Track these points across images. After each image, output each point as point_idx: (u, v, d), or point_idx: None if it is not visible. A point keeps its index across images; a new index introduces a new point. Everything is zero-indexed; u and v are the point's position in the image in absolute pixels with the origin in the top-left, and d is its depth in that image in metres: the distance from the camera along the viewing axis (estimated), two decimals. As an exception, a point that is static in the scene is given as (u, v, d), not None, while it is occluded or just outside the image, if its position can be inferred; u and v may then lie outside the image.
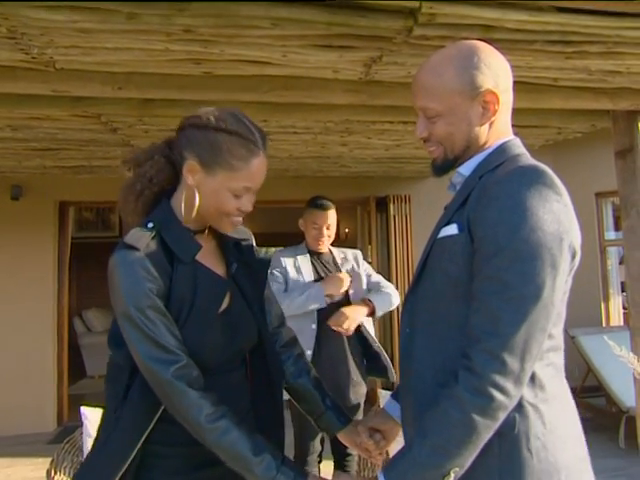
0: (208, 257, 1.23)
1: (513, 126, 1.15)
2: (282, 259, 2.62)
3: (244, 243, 1.34)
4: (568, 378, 1.06)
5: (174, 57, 2.01)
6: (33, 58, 1.98)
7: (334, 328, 2.43)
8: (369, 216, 5.57)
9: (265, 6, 1.63)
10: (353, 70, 2.20)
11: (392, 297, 2.66)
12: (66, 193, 5.08)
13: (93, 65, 2.09)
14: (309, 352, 2.43)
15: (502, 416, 0.94)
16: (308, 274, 2.60)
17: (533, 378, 0.98)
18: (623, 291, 5.32)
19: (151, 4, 1.61)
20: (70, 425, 4.58)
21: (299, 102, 2.46)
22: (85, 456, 1.24)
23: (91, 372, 7.10)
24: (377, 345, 2.60)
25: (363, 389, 2.62)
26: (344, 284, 2.55)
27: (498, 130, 1.11)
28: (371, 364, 2.63)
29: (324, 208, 2.61)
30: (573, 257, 0.99)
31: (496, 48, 1.12)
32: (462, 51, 1.09)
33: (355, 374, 2.56)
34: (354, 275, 2.65)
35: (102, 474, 1.12)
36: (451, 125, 1.09)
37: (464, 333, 0.98)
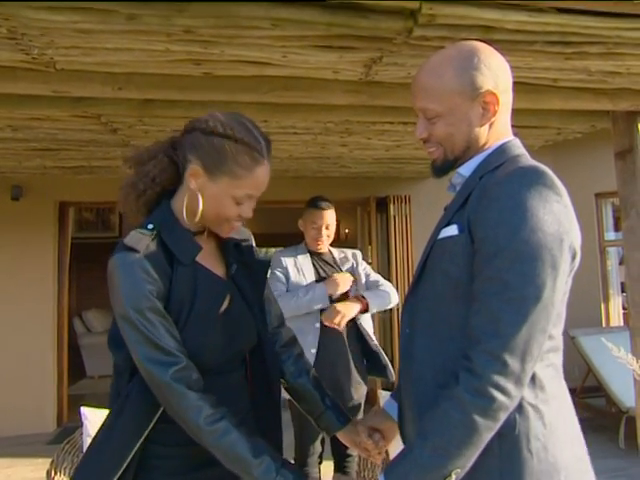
0: (208, 258, 1.23)
1: (513, 127, 1.16)
2: (283, 259, 2.63)
3: (244, 244, 1.34)
4: (567, 378, 1.06)
5: (174, 58, 2.01)
6: (33, 59, 1.98)
7: (326, 323, 2.45)
8: (369, 216, 5.57)
9: (265, 7, 1.63)
10: (353, 71, 2.20)
11: (389, 295, 2.67)
12: (66, 193, 5.08)
13: (93, 66, 2.09)
14: (313, 351, 2.45)
15: (503, 417, 0.94)
16: (309, 274, 2.61)
17: (533, 379, 0.98)
18: (623, 291, 5.32)
19: (151, 5, 1.61)
20: (70, 426, 4.58)
21: (299, 103, 2.46)
22: (83, 456, 1.24)
23: (91, 372, 7.10)
24: (374, 343, 2.61)
25: (363, 389, 2.62)
26: (347, 284, 2.56)
27: (498, 131, 1.11)
28: (370, 363, 2.64)
29: (323, 208, 2.62)
30: (573, 258, 1.00)
31: (496, 49, 1.12)
32: (462, 52, 1.09)
33: (356, 373, 2.57)
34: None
35: (101, 474, 1.12)
36: (451, 126, 1.09)
37: (464, 334, 0.98)
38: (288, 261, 2.62)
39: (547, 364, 1.01)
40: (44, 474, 2.17)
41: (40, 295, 4.96)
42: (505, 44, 1.84)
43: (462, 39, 1.34)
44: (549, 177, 0.98)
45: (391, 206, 5.23)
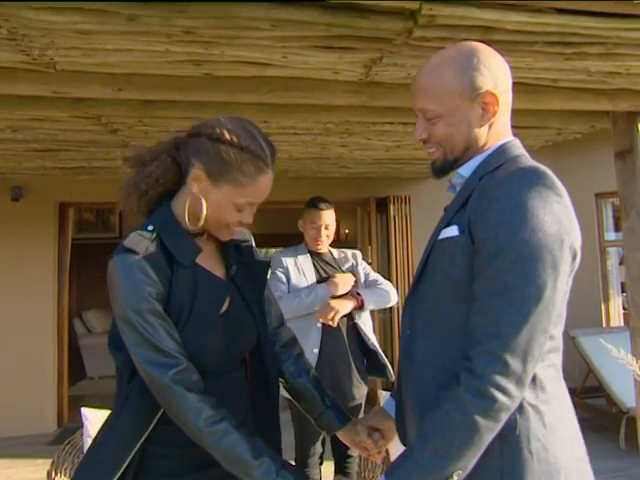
0: (208, 259, 1.23)
1: (513, 127, 1.16)
2: (283, 259, 2.63)
3: (244, 244, 1.34)
4: (567, 379, 1.07)
5: (174, 58, 2.01)
6: (34, 59, 1.98)
7: (320, 319, 2.46)
8: (369, 217, 5.57)
9: (265, 7, 1.64)
10: (353, 71, 2.20)
11: (388, 294, 2.67)
12: (66, 194, 5.09)
13: (93, 66, 2.09)
14: (315, 350, 2.46)
15: (504, 417, 0.94)
16: (310, 274, 2.61)
17: (534, 379, 0.98)
18: (623, 292, 5.32)
19: (151, 6, 1.61)
20: (70, 426, 4.58)
21: (299, 103, 2.46)
22: (83, 456, 1.24)
23: (91, 373, 7.10)
24: (372, 342, 2.61)
25: (364, 389, 2.62)
26: (349, 284, 2.57)
27: (497, 131, 1.11)
28: (370, 363, 2.64)
29: (322, 209, 2.63)
30: (574, 258, 1.00)
31: (496, 49, 1.12)
32: (462, 52, 1.09)
33: (357, 373, 2.57)
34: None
35: (101, 475, 1.12)
36: (450, 126, 1.09)
37: (465, 334, 0.98)
38: (289, 261, 2.63)
39: (548, 364, 1.01)
40: (44, 475, 2.17)
41: (40, 295, 4.96)
42: (505, 45, 1.84)
43: (462, 40, 1.34)
44: (549, 178, 0.98)
45: (391, 206, 5.23)
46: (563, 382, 1.06)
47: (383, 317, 5.27)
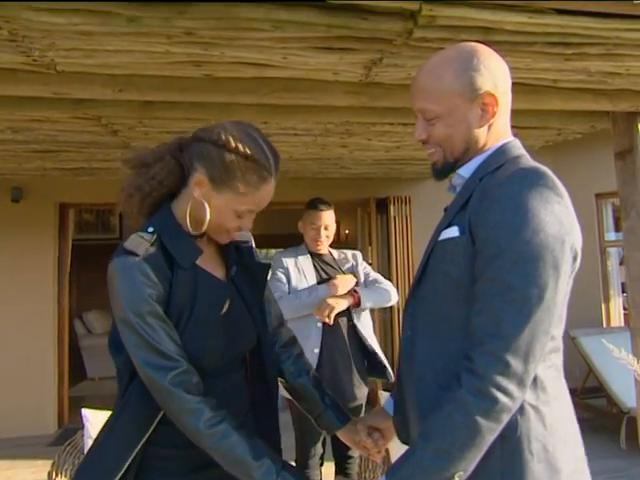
0: (208, 261, 1.22)
1: (513, 127, 1.16)
2: (284, 260, 2.64)
3: (244, 245, 1.34)
4: (568, 379, 1.07)
5: (174, 59, 2.01)
6: (34, 61, 1.98)
7: (316, 316, 2.46)
8: (369, 217, 5.57)
9: (265, 8, 1.64)
10: (353, 72, 2.20)
11: (388, 292, 2.68)
12: (66, 195, 5.09)
13: (94, 67, 2.09)
14: (316, 351, 2.46)
15: (505, 418, 0.94)
16: (310, 275, 2.62)
17: (535, 380, 0.98)
18: (623, 292, 5.32)
19: (152, 7, 1.61)
20: (71, 427, 4.58)
21: (299, 104, 2.46)
22: (84, 457, 1.24)
23: (91, 374, 7.10)
24: (369, 344, 2.61)
25: (365, 389, 2.63)
26: (349, 285, 2.57)
27: (497, 132, 1.11)
28: (370, 364, 2.64)
29: (321, 209, 2.63)
30: (574, 259, 1.00)
31: (496, 50, 1.12)
32: (461, 53, 1.09)
33: (357, 373, 2.57)
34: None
35: (102, 475, 1.12)
36: (450, 127, 1.09)
37: (466, 335, 0.98)
38: (289, 262, 2.63)
39: (549, 365, 1.01)
40: (45, 476, 2.17)
41: (40, 296, 4.97)
42: (505, 45, 1.84)
43: (462, 40, 1.34)
44: (550, 178, 0.98)
45: (391, 207, 5.24)
46: (564, 382, 1.06)
47: (383, 317, 5.27)
